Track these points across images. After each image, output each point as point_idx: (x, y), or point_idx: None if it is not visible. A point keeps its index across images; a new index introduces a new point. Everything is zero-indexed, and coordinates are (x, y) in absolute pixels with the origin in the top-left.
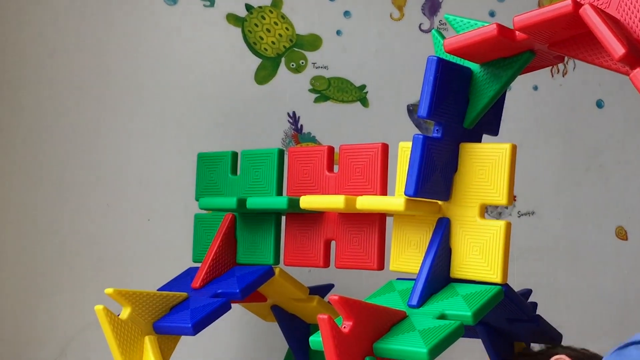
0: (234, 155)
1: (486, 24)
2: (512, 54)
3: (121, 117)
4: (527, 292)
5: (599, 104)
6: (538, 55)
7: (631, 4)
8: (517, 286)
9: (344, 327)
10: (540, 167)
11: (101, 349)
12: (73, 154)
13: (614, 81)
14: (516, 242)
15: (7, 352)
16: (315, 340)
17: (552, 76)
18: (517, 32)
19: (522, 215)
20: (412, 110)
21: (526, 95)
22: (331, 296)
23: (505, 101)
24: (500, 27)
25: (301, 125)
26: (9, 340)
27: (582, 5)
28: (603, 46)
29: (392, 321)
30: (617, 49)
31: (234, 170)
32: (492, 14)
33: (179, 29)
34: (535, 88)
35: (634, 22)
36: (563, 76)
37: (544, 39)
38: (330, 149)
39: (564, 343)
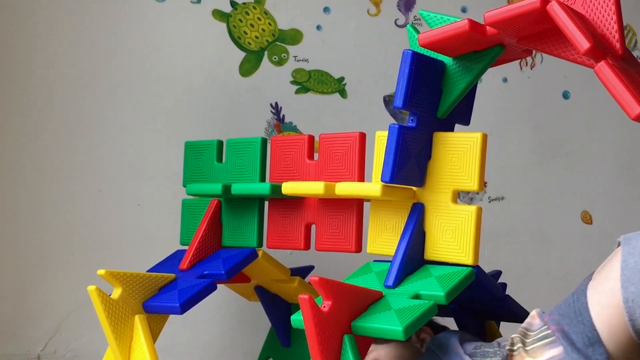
0: (220, 143)
1: (458, 20)
2: (482, 48)
3: (113, 108)
4: (497, 274)
5: (565, 95)
6: (507, 49)
7: (596, 0)
8: (488, 268)
9: (324, 306)
10: (510, 155)
11: (94, 326)
12: (67, 144)
13: (579, 73)
14: (487, 226)
15: (6, 330)
16: (297, 319)
17: (521, 69)
18: (487, 27)
19: (493, 200)
20: (388, 101)
21: (496, 87)
22: (311, 277)
23: (477, 93)
24: (472, 23)
25: (283, 116)
26: (8, 319)
27: (549, 1)
28: (569, 40)
29: (369, 301)
30: (583, 43)
31: (219, 158)
32: (464, 10)
33: (167, 24)
34: (505, 80)
35: (598, 18)
36: (531, 69)
37: (513, 34)
38: (311, 138)
39: None
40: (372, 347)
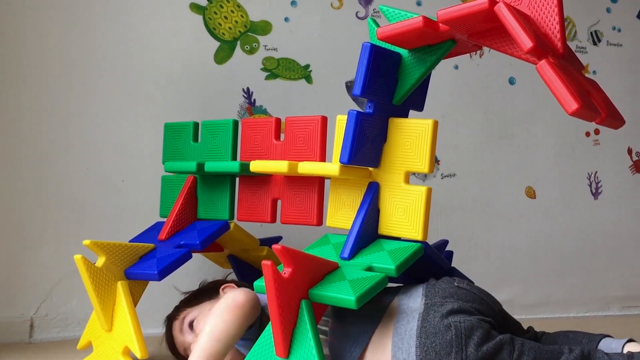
0: (195, 125)
1: (415, 16)
2: (436, 42)
3: (100, 94)
4: (444, 243)
5: (511, 81)
6: (458, 43)
7: (540, 1)
8: (439, 238)
9: (284, 272)
10: (461, 136)
11: (82, 292)
12: (59, 126)
13: (524, 62)
14: (440, 200)
15: (0, 296)
16: (259, 284)
17: (471, 57)
18: (440, 24)
19: (445, 177)
20: (349, 86)
21: (449, 74)
22: (274, 245)
23: (431, 79)
24: (426, 20)
25: (254, 100)
26: (2, 285)
27: (497, 2)
28: (514, 39)
29: (325, 270)
30: (526, 42)
31: (195, 138)
32: (419, 4)
33: (149, 17)
34: (456, 67)
35: (541, 18)
36: (480, 57)
37: (464, 31)
38: (278, 121)
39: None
40: (186, 311)
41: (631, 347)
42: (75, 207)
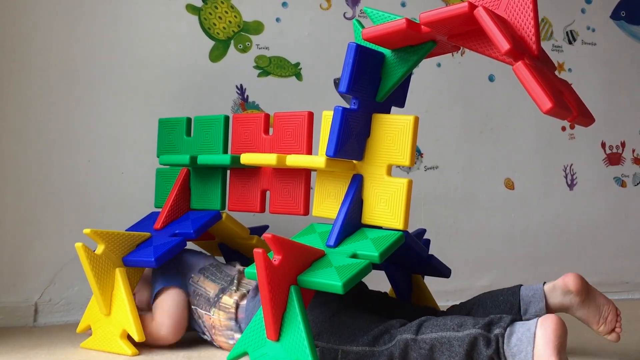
0: (188, 120)
1: (399, 18)
2: (417, 43)
3: (101, 91)
4: (422, 232)
5: (491, 78)
6: (439, 44)
7: (516, 5)
8: (424, 227)
9: (275, 260)
10: (443, 130)
11: (84, 278)
12: (62, 121)
13: None
14: (423, 191)
15: (6, 281)
16: (250, 271)
17: (453, 55)
18: (422, 26)
19: (428, 169)
20: (337, 83)
21: (432, 71)
22: (265, 234)
23: (416, 76)
24: (409, 22)
25: (247, 96)
26: (8, 271)
27: (476, 6)
28: (492, 42)
29: (313, 258)
30: (503, 44)
31: (188, 133)
32: (403, 5)
33: (147, 17)
34: (439, 65)
35: (517, 21)
36: (461, 55)
37: (444, 32)
38: (267, 116)
39: (455, 276)
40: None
41: (546, 287)
42: (78, 197)
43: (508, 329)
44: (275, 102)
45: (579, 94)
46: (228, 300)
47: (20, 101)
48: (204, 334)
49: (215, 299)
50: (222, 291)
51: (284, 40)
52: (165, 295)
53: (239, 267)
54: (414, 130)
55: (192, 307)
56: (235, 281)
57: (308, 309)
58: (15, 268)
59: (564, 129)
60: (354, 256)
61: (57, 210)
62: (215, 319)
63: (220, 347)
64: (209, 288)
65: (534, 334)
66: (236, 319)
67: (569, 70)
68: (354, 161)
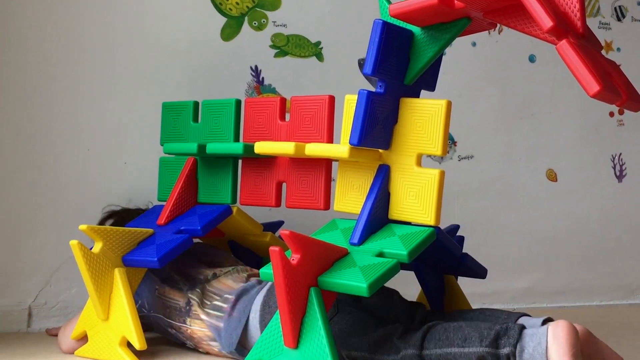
0: (196, 104)
1: None
2: (450, 20)
3: (102, 72)
4: (455, 228)
5: (531, 59)
6: (474, 21)
7: None
8: (457, 222)
9: (293, 259)
10: (479, 116)
11: (82, 280)
12: (59, 105)
13: None
14: (457, 183)
15: (1, 282)
16: (266, 272)
17: (489, 33)
18: (455, 1)
19: (462, 159)
20: (361, 64)
21: (466, 51)
22: (282, 231)
23: (447, 56)
24: None
25: (262, 78)
26: (2, 272)
27: None
28: (533, 18)
29: (335, 257)
30: (546, 21)
31: (195, 118)
32: None
33: None
34: (474, 44)
35: None
36: (499, 33)
37: (480, 8)
38: (283, 100)
39: (491, 277)
40: None
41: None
42: (76, 191)
43: (518, 346)
44: (293, 85)
45: (629, 76)
46: (199, 311)
47: (13, 87)
48: (185, 343)
49: (187, 307)
50: (189, 302)
51: (304, 17)
52: None
53: (207, 272)
54: (446, 116)
55: (167, 320)
56: (197, 290)
57: None
58: (7, 268)
59: (612, 114)
60: (380, 255)
61: (52, 204)
62: (193, 329)
63: (207, 353)
64: (177, 297)
65: (546, 348)
66: (215, 328)
67: (618, 49)
68: (380, 150)
